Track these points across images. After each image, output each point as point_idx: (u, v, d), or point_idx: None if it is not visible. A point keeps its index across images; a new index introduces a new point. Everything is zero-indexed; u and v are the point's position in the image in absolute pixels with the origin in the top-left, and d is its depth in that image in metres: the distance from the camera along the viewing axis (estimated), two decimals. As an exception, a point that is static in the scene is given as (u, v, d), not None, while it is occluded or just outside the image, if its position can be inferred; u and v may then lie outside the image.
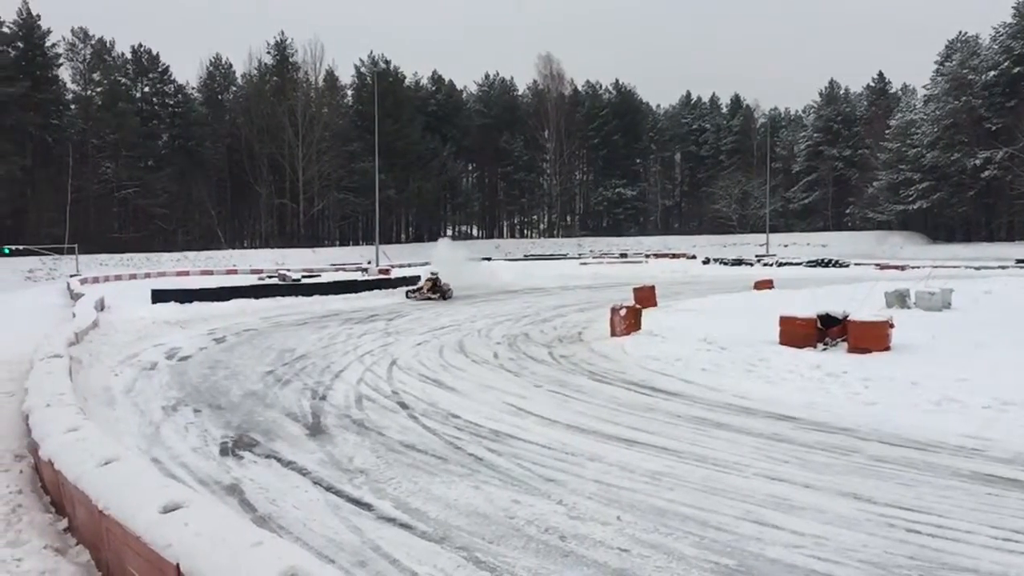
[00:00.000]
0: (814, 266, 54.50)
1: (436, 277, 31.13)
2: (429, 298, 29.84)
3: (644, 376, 13.53)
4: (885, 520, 6.45)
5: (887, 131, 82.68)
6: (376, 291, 33.99)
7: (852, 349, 13.75)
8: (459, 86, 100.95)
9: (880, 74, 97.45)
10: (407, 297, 30.79)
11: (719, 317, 19.99)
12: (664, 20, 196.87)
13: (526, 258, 73.21)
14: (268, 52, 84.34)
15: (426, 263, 46.13)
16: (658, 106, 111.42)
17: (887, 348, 13.65)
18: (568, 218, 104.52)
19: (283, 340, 19.14)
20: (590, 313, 23.87)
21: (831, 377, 12.02)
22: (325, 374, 14.24)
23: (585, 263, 63.12)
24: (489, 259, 64.99)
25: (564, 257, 73.53)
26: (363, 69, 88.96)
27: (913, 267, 46.62)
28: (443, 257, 41.81)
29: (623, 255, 74.62)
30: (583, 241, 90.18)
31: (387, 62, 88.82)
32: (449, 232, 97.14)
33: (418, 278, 34.99)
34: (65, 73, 73.50)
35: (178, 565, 3.88)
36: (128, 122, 72.17)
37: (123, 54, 77.79)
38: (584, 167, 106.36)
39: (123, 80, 77.03)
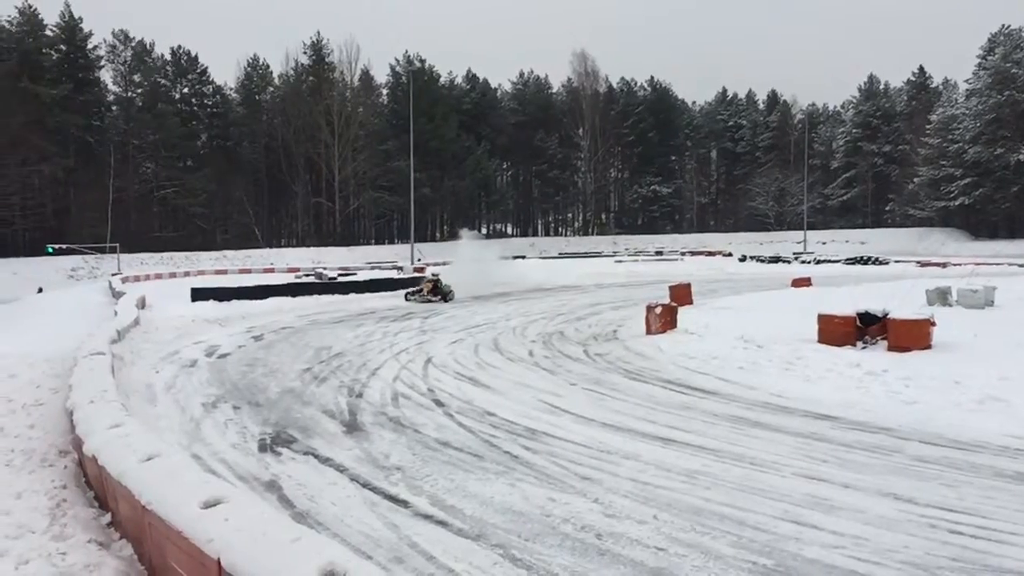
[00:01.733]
0: (853, 263, 53.84)
1: (437, 278, 30.27)
2: (429, 300, 28.67)
3: (680, 374, 13.45)
4: (927, 521, 6.36)
5: (928, 126, 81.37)
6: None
7: (892, 348, 13.55)
8: (493, 84, 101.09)
9: (921, 68, 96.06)
10: (406, 300, 29.38)
11: (756, 315, 19.82)
12: (699, 16, 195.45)
13: (561, 256, 73.17)
14: (304, 52, 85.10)
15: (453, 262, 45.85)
16: (694, 103, 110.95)
17: (928, 347, 13.44)
18: (603, 216, 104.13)
19: (320, 338, 19.30)
20: (625, 311, 23.78)
21: (871, 376, 11.86)
22: (361, 372, 14.33)
23: (620, 261, 62.90)
24: (524, 257, 65.17)
25: (599, 255, 73.39)
26: (398, 68, 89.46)
27: (955, 264, 45.85)
28: (466, 256, 41.13)
29: (658, 253, 74.23)
30: (618, 239, 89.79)
31: (422, 61, 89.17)
32: (484, 230, 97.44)
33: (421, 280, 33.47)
34: (106, 75, 75.21)
35: (219, 560, 3.93)
36: (168, 123, 73.25)
37: (163, 56, 79.07)
38: (619, 165, 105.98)
39: (163, 81, 78.26)
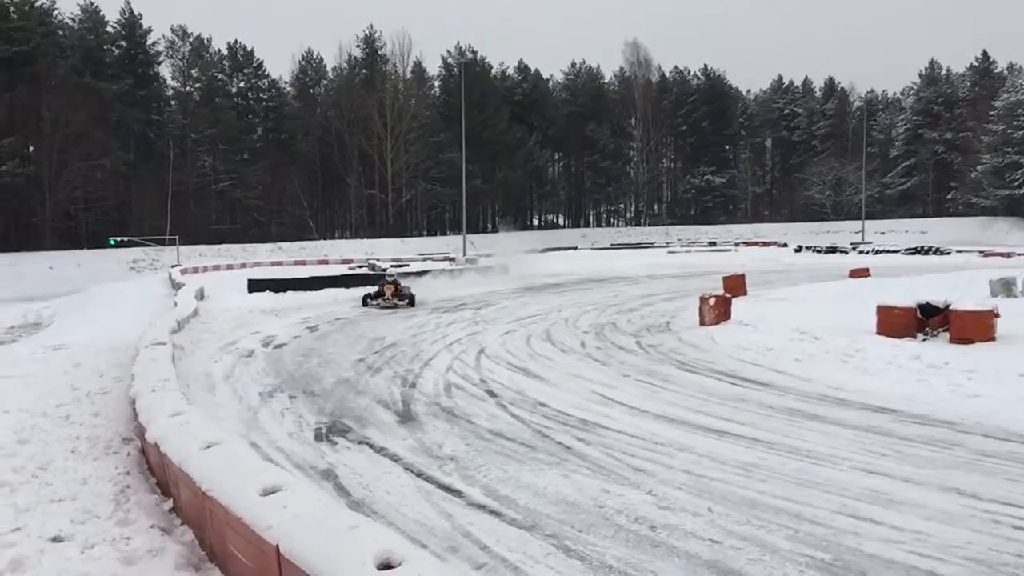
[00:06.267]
0: (913, 254, 52.61)
1: (396, 280, 26.41)
2: (396, 305, 24.71)
3: (734, 366, 13.32)
4: (990, 516, 6.21)
5: (992, 112, 79.12)
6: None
7: (954, 340, 13.21)
8: (545, 75, 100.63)
9: (984, 53, 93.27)
10: (364, 305, 25.10)
11: (812, 306, 19.49)
12: (754, 3, 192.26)
13: (613, 247, 72.75)
14: (357, 45, 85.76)
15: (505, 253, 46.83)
16: (748, 91, 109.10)
17: (992, 339, 13.06)
18: (655, 206, 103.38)
19: (373, 328, 19.49)
20: (678, 302, 23.58)
21: (932, 368, 11.60)
22: (414, 362, 14.44)
23: (673, 252, 62.32)
24: (576, 248, 65.39)
25: (651, 246, 72.79)
26: (450, 60, 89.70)
27: (1019, 254, 44.56)
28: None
29: (712, 243, 73.43)
30: (671, 229, 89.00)
31: (474, 52, 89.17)
32: (535, 221, 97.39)
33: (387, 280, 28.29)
34: (165, 70, 76.67)
35: (278, 546, 3.99)
36: (225, 117, 74.41)
37: (219, 51, 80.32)
38: (672, 154, 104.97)
39: (220, 76, 79.42)
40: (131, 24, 72.10)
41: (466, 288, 30.98)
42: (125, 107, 67.32)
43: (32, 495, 6.74)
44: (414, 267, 42.66)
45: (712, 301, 18.00)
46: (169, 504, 6.45)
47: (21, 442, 8.46)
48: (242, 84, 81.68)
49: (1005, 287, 19.26)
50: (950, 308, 13.68)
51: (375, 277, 32.98)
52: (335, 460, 8.23)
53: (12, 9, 61.54)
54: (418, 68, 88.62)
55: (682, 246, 70.91)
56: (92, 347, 15.89)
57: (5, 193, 60.91)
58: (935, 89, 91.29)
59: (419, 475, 7.63)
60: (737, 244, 70.71)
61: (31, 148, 63.83)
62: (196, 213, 72.20)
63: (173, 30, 75.56)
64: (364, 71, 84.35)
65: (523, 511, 6.58)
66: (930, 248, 53.73)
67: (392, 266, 44.17)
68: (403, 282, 27.03)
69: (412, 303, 25.20)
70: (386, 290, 25.20)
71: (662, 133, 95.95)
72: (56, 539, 5.76)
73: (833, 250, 58.21)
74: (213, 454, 5.64)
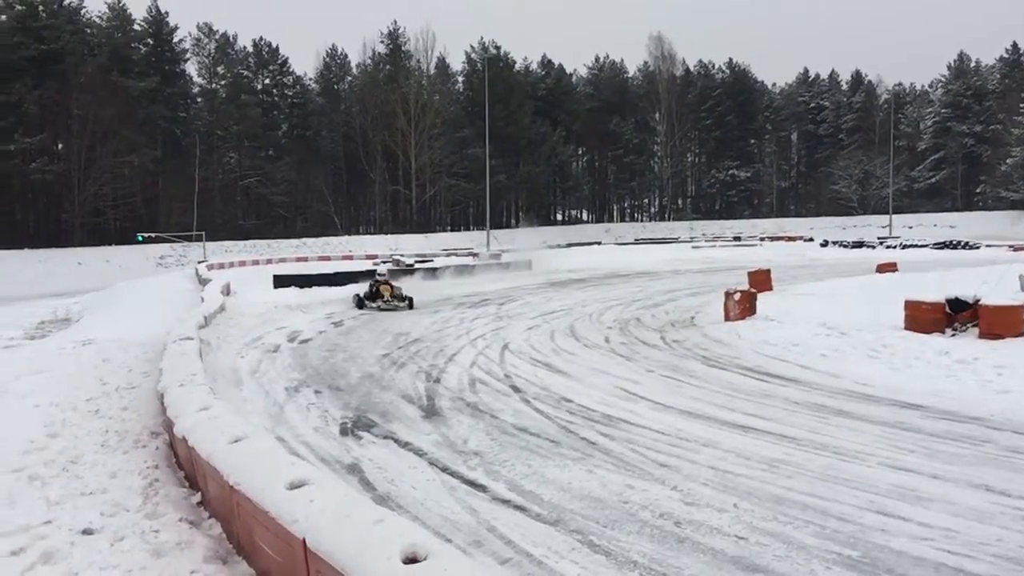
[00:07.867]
0: (941, 248, 52.08)
1: (388, 280, 24.53)
2: (396, 307, 22.97)
3: (759, 361, 13.22)
4: (1020, 513, 6.13)
5: (1022, 104, 77.93)
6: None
7: (984, 335, 13.04)
8: (569, 70, 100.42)
9: (1014, 44, 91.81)
10: (360, 307, 23.37)
11: (839, 301, 19.32)
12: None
13: (637, 242, 72.47)
14: (381, 42, 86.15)
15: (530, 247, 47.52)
16: (774, 84, 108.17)
17: (1022, 334, 12.90)
18: (679, 201, 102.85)
19: (398, 324, 19.54)
20: (703, 297, 23.46)
21: (960, 364, 11.46)
22: (439, 357, 14.47)
23: (697, 247, 61.96)
24: (599, 243, 65.39)
25: (676, 241, 72.43)
26: (473, 55, 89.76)
27: (1051, 249, 43.94)
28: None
29: (736, 238, 72.89)
30: (695, 224, 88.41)
31: (497, 48, 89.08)
32: (559, 216, 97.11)
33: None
34: (191, 68, 77.49)
35: (304, 540, 4.03)
36: (250, 113, 74.98)
37: (245, 48, 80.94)
38: (696, 149, 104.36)
39: (245, 73, 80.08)
40: (158, 22, 72.85)
41: (489, 283, 31.01)
42: (152, 104, 68.03)
43: (63, 488, 6.82)
44: (437, 262, 42.72)
45: (737, 296, 17.88)
46: (197, 498, 6.52)
47: (51, 436, 8.57)
48: (267, 81, 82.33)
49: (1035, 282, 18.96)
50: (979, 303, 13.51)
51: (399, 273, 32.95)
52: (360, 455, 8.27)
53: (41, 8, 62.33)
54: (442, 64, 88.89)
55: (706, 241, 70.47)
56: (121, 342, 16.05)
57: (35, 190, 61.91)
58: (964, 81, 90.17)
59: (444, 470, 7.65)
60: (762, 239, 70.10)
61: (60, 145, 64.74)
62: (222, 209, 72.86)
63: (199, 28, 76.39)
64: (388, 67, 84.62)
65: (548, 506, 6.58)
66: (959, 242, 53.14)
67: (416, 261, 44.23)
68: (422, 278, 26.83)
69: (411, 305, 23.27)
70: (383, 291, 23.55)
71: (686, 127, 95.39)
72: (86, 532, 5.83)
73: (860, 245, 57.70)
74: (240, 448, 5.69)
